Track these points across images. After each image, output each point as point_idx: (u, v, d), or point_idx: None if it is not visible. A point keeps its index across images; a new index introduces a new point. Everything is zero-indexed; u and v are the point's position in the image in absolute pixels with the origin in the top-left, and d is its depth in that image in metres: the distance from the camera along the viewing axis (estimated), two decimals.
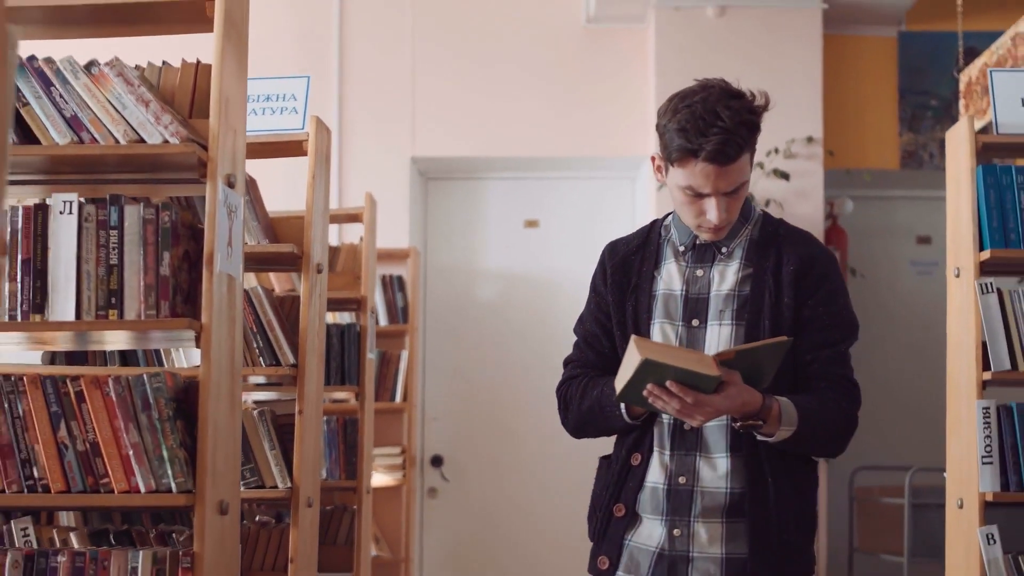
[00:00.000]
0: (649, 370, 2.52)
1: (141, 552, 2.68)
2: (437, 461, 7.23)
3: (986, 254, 3.55)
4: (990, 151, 3.73)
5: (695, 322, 2.81)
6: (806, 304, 2.79)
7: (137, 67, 2.86)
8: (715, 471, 2.76)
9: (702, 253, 2.86)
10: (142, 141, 2.74)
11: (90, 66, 2.79)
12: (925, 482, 5.82)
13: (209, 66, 2.84)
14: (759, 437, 2.72)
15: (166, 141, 2.72)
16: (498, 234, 7.28)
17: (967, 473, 3.56)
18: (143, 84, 2.77)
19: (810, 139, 6.56)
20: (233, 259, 2.83)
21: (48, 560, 2.69)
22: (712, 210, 2.72)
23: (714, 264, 2.84)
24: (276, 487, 3.89)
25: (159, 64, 2.91)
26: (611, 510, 2.84)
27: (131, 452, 2.67)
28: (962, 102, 5.99)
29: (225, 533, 2.79)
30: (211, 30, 2.80)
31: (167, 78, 2.89)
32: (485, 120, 7.04)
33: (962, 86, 6.04)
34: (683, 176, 2.71)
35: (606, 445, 2.99)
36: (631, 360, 2.54)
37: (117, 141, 2.74)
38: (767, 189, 6.48)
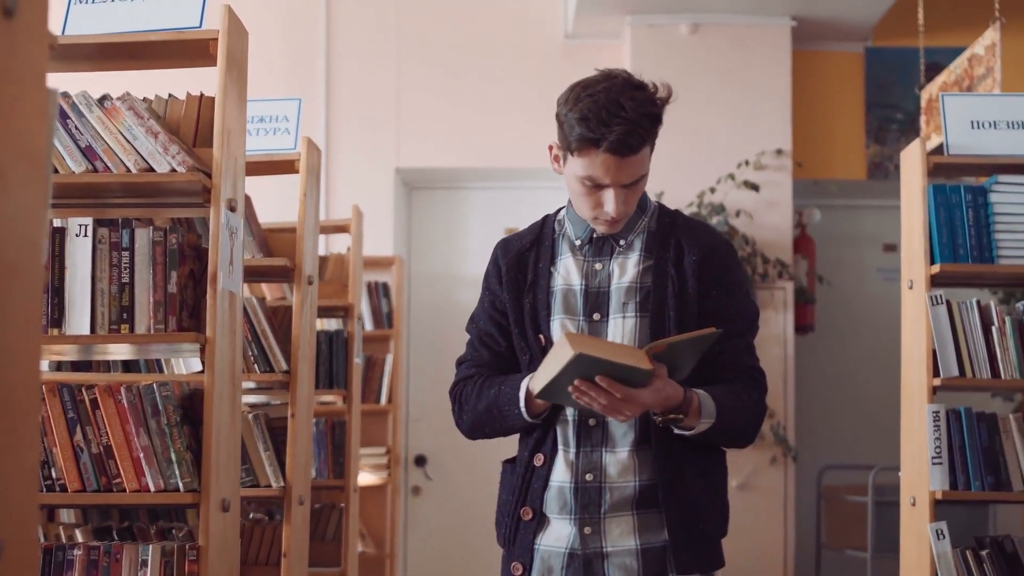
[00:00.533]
0: (580, 365, 2.43)
1: (151, 546, 2.90)
2: (420, 461, 7.38)
3: (936, 268, 3.75)
4: (942, 171, 3.93)
5: (596, 316, 2.72)
6: (710, 295, 2.72)
7: (145, 99, 3.06)
8: (622, 466, 2.68)
9: (600, 246, 2.78)
10: (151, 170, 2.94)
11: (103, 100, 2.99)
12: (888, 481, 5.93)
13: (211, 98, 3.06)
14: (676, 431, 2.65)
15: (173, 170, 2.93)
16: (479, 242, 7.38)
17: (919, 473, 3.74)
18: (152, 116, 2.99)
19: (779, 151, 6.72)
20: (234, 276, 3.05)
21: (65, 554, 2.90)
22: (610, 202, 2.64)
23: (613, 257, 2.76)
24: (270, 486, 4.04)
25: (165, 97, 3.12)
26: (518, 514, 2.76)
27: (142, 454, 2.89)
28: (923, 118, 6.17)
29: (227, 528, 3.01)
30: (214, 64, 3.00)
31: (173, 109, 3.10)
32: (467, 132, 7.18)
33: (923, 102, 6.22)
34: (582, 166, 2.62)
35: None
36: (560, 355, 2.45)
37: (128, 169, 2.94)
38: (737, 200, 6.64)
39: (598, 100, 2.57)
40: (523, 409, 2.70)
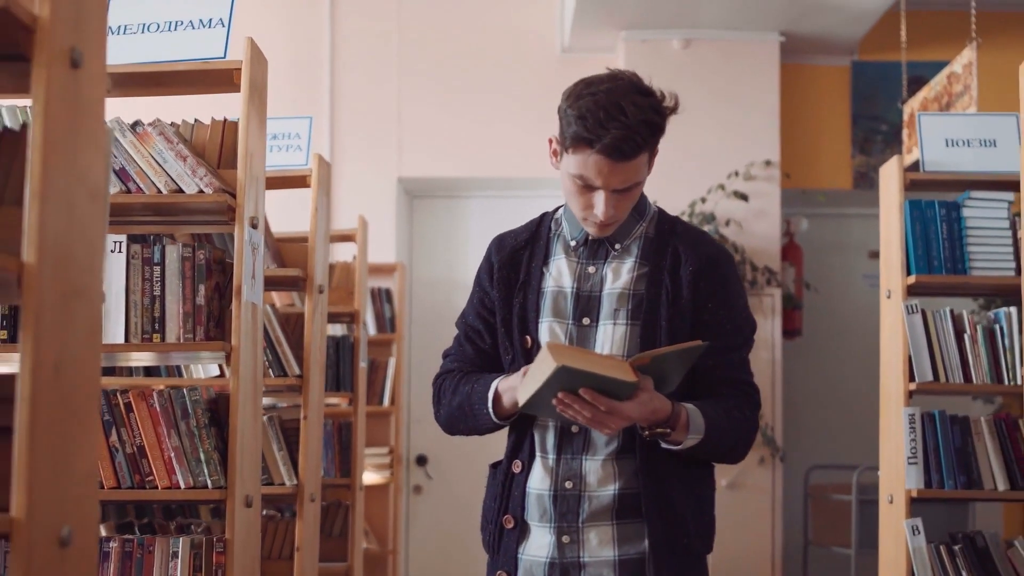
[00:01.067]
0: (563, 377, 2.35)
1: (181, 539, 3.12)
2: (422, 460, 7.54)
3: (912, 279, 3.94)
4: (918, 186, 4.09)
5: (586, 320, 2.63)
6: (706, 307, 2.63)
7: (172, 124, 3.28)
8: (602, 474, 2.60)
9: (595, 249, 2.69)
10: (180, 191, 3.15)
11: (135, 125, 3.20)
12: (872, 480, 6.01)
13: (235, 123, 3.27)
14: (664, 445, 2.57)
15: (201, 191, 3.14)
16: (478, 249, 7.28)
17: (896, 472, 3.92)
18: (180, 141, 3.20)
19: (768, 162, 6.89)
20: (256, 289, 3.27)
21: (101, 546, 3.11)
22: (600, 205, 2.55)
23: (607, 261, 2.67)
24: (284, 484, 4.21)
25: (191, 121, 3.33)
26: (500, 522, 2.68)
27: (172, 454, 3.11)
28: (905, 131, 6.36)
29: (250, 522, 3.23)
30: (237, 91, 3.22)
31: (198, 134, 3.31)
32: (466, 143, 7.35)
33: (905, 117, 6.41)
34: (575, 164, 2.53)
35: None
36: (543, 367, 2.36)
37: (159, 190, 3.15)
38: (727, 209, 6.82)
39: (599, 100, 2.48)
40: (491, 410, 2.64)
